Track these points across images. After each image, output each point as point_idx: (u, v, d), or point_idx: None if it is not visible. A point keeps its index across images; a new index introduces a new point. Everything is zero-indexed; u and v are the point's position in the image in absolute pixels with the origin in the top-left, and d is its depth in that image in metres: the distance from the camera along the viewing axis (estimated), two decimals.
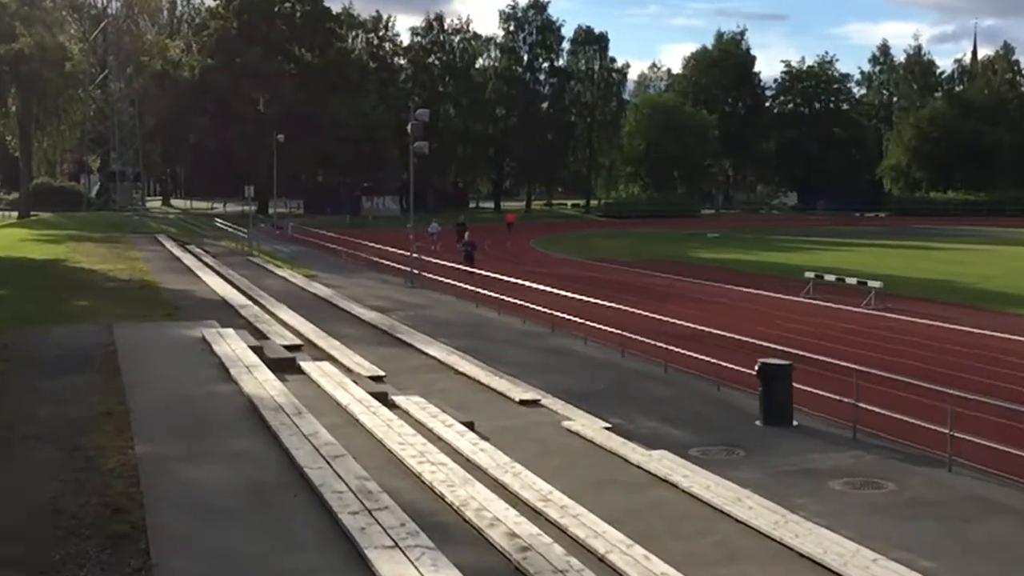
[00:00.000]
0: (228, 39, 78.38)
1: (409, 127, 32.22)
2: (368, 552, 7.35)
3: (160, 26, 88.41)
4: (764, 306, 28.43)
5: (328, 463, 9.44)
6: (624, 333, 19.20)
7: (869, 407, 13.34)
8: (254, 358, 14.66)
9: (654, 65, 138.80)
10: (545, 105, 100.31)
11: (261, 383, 12.89)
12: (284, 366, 14.89)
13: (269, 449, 10.18)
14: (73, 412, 11.53)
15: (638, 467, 10.95)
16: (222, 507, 8.55)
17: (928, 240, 58.09)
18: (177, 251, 39.30)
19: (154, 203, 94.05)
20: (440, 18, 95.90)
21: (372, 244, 38.95)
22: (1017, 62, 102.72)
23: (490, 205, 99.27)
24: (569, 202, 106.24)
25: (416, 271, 32.11)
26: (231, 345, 15.59)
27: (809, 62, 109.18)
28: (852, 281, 30.27)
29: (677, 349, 17.65)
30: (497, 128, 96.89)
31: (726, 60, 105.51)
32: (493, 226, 57.38)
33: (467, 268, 31.76)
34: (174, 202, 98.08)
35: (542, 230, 68.49)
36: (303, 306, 23.87)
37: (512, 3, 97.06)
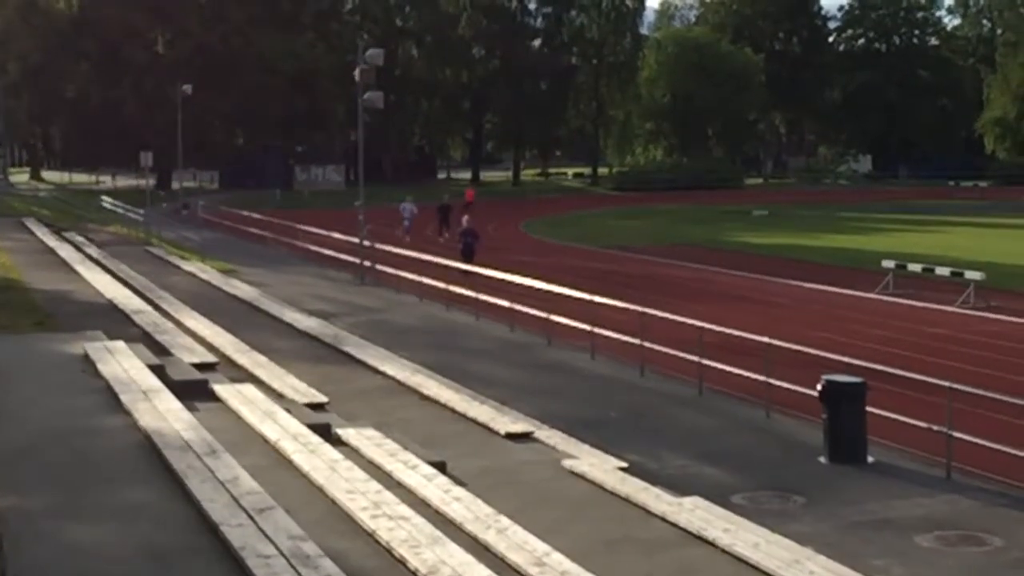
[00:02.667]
0: None
1: (357, 73, 32.18)
2: None
3: None
4: (828, 306, 28.48)
5: (252, 519, 9.40)
6: (644, 344, 19.21)
7: (967, 437, 13.35)
8: (154, 380, 14.61)
9: None
10: (537, 43, 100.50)
11: (162, 414, 12.84)
12: (193, 391, 14.86)
13: (173, 501, 10.14)
14: None
15: (663, 519, 10.95)
16: None
17: None
18: (51, 240, 39.20)
19: (20, 176, 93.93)
20: None
21: (310, 228, 38.91)
22: None
23: (466, 175, 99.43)
24: (570, 171, 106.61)
25: (368, 263, 32.08)
26: (122, 364, 15.53)
27: None
28: (944, 272, 30.36)
29: (714, 364, 17.64)
30: (474, 75, 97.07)
31: None
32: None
33: (465, 266, 29.50)
34: (46, 175, 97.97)
35: (535, 208, 68.59)
36: (218, 311, 23.84)
37: None
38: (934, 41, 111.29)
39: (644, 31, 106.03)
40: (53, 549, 9.03)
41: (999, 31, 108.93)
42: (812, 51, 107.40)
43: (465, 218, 35.14)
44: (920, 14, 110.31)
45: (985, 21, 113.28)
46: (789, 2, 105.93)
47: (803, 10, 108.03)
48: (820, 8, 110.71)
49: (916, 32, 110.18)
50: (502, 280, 26.10)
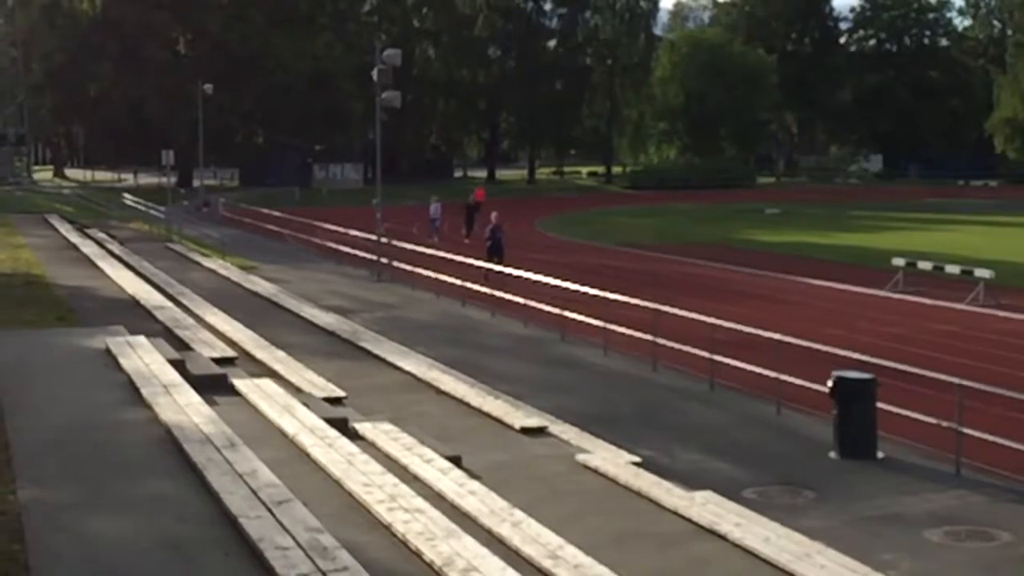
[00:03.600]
0: None
1: (375, 73, 32.21)
2: None
3: None
4: (839, 303, 28.42)
5: (270, 511, 9.39)
6: (657, 340, 19.19)
7: (977, 433, 13.32)
8: (174, 375, 14.61)
9: None
10: (552, 44, 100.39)
11: (183, 407, 12.84)
12: (213, 385, 14.85)
13: (193, 493, 10.14)
14: None
15: (675, 514, 10.93)
16: (131, 570, 8.50)
17: None
18: (74, 236, 39.28)
19: (44, 174, 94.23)
20: None
21: (328, 226, 38.95)
22: None
23: (482, 174, 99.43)
24: (585, 169, 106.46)
25: (385, 260, 32.10)
26: (144, 358, 15.53)
27: None
28: (954, 270, 30.28)
29: (726, 360, 17.63)
30: (490, 75, 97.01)
31: None
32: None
33: (494, 267, 28.61)
34: (69, 172, 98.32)
35: (550, 206, 68.55)
36: (238, 307, 23.87)
37: None
38: (945, 42, 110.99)
39: (658, 32, 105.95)
40: (74, 541, 9.03)
41: (1009, 32, 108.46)
42: (824, 52, 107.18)
43: (494, 215, 33.80)
44: (931, 15, 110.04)
45: (996, 22, 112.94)
46: (801, 3, 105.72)
47: (815, 11, 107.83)
48: (832, 9, 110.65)
49: (927, 33, 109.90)
50: (517, 277, 26.13)
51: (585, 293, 22.80)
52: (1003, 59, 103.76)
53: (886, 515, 12.03)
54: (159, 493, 10.21)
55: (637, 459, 13.20)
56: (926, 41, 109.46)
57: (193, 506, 9.83)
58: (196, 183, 66.36)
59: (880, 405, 14.16)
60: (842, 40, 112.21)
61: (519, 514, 10.25)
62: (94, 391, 14.16)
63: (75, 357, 16.40)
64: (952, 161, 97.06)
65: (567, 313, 22.16)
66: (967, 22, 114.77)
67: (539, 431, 14.33)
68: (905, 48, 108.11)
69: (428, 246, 33.34)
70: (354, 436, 12.97)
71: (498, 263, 29.44)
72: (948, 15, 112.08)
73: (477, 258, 30.15)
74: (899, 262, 31.38)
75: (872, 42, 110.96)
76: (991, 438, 13.25)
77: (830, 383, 14.26)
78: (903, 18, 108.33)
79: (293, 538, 8.78)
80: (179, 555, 8.76)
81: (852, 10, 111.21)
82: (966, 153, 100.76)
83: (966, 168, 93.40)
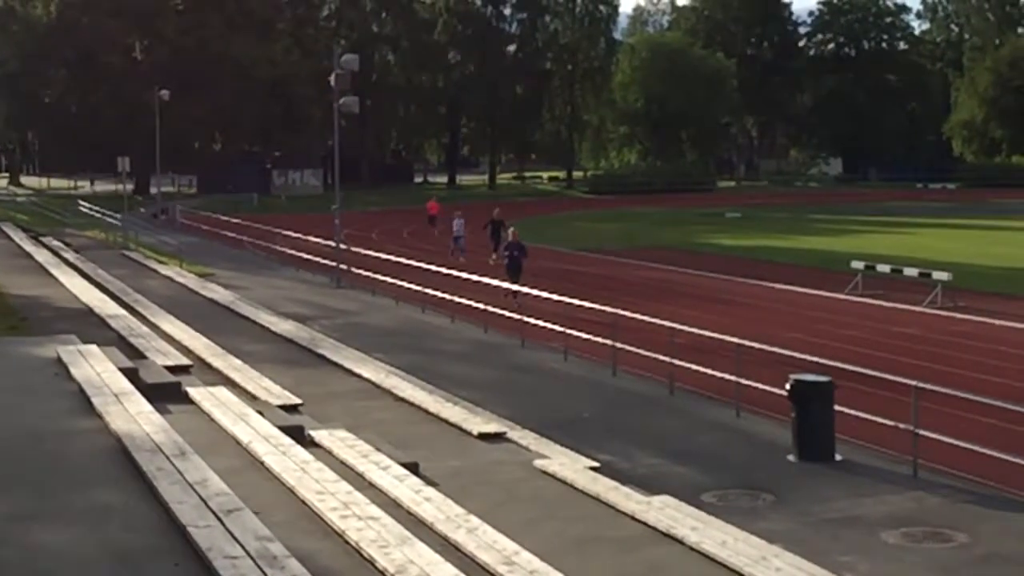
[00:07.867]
0: None
1: (333, 78, 32.11)
2: None
3: None
4: (798, 306, 28.53)
5: (219, 520, 9.31)
6: (616, 344, 19.18)
7: (934, 435, 13.36)
8: (126, 384, 14.49)
9: None
10: (512, 49, 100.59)
11: (134, 416, 12.74)
12: (166, 394, 14.75)
13: (142, 503, 10.06)
14: None
15: (633, 518, 10.91)
16: None
17: (1011, 219, 58.60)
18: (28, 244, 39.01)
19: None
20: None
21: (287, 232, 38.77)
22: None
23: (443, 179, 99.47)
24: (545, 174, 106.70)
25: (344, 267, 31.99)
26: (95, 367, 15.41)
27: None
28: (912, 272, 30.46)
29: (685, 364, 17.64)
30: (450, 79, 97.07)
31: None
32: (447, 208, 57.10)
33: (511, 285, 27.03)
34: (25, 180, 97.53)
35: (511, 212, 68.50)
36: (194, 315, 23.73)
37: None
38: (903, 46, 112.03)
39: (617, 36, 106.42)
40: (20, 551, 8.93)
41: (967, 36, 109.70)
42: (783, 56, 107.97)
43: (511, 230, 31.78)
44: (889, 19, 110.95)
45: (953, 26, 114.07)
46: (760, 8, 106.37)
47: (774, 16, 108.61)
48: (791, 13, 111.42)
49: (885, 37, 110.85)
50: (478, 282, 26.09)
51: (545, 298, 22.79)
52: (960, 62, 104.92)
53: (844, 517, 12.05)
54: (108, 503, 10.12)
55: (596, 464, 13.19)
56: (884, 45, 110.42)
57: (142, 516, 9.74)
58: (153, 190, 65.95)
59: (838, 408, 14.20)
60: (801, 44, 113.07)
61: (475, 520, 10.20)
62: (44, 400, 14.04)
63: (25, 366, 16.27)
64: (911, 164, 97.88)
65: (527, 318, 22.14)
66: (925, 26, 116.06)
67: (497, 437, 14.29)
68: (863, 52, 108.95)
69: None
70: (310, 444, 12.90)
71: (514, 282, 27.62)
72: (906, 19, 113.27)
73: (450, 266, 29.59)
74: (858, 265, 31.55)
75: (831, 46, 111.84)
76: (948, 440, 13.30)
77: (788, 386, 14.29)
78: (861, 22, 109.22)
79: (243, 547, 8.71)
80: (127, 566, 8.67)
81: (811, 14, 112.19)
82: (924, 156, 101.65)
83: (924, 171, 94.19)
